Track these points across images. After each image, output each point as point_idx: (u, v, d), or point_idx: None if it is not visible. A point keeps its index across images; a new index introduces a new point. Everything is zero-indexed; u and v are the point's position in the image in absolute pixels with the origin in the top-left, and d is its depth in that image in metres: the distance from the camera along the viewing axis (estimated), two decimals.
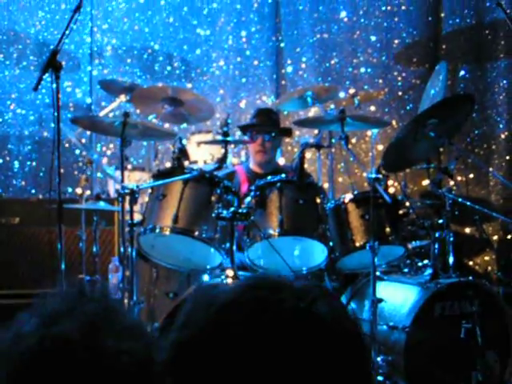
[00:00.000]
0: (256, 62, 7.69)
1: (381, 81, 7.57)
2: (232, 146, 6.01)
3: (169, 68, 7.57)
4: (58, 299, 1.24)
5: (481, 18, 7.40)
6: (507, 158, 7.19)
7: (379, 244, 4.40)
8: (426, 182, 6.58)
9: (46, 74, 4.05)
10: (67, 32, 4.08)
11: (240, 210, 4.33)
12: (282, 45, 7.75)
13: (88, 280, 5.35)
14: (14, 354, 1.16)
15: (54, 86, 4.05)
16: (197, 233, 4.37)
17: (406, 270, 5.00)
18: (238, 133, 5.82)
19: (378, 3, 7.62)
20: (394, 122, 7.35)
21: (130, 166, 6.09)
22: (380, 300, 4.40)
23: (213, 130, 6.31)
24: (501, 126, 7.27)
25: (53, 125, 4.13)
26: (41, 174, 7.11)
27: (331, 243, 4.55)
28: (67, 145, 6.72)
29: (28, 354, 1.15)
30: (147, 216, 4.49)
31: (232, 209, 4.33)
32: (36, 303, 1.24)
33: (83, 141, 6.69)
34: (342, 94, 6.50)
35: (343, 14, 7.65)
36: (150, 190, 4.61)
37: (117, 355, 1.16)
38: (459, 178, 7.08)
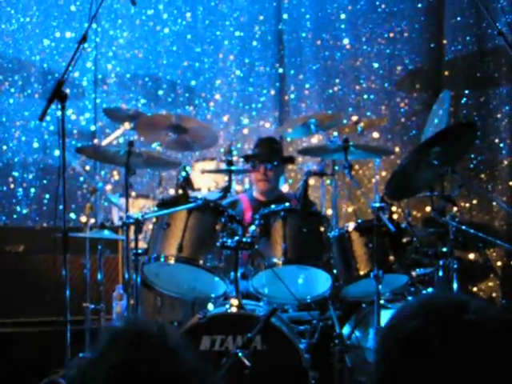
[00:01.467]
0: (259, 89, 7.73)
1: (384, 107, 7.61)
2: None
3: (172, 95, 7.61)
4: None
5: (482, 44, 7.46)
6: (510, 183, 7.21)
7: (383, 272, 4.39)
8: (429, 209, 6.58)
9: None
10: (73, 63, 4.11)
11: (244, 239, 4.34)
12: (285, 72, 7.79)
13: (92, 308, 5.34)
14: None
15: (59, 113, 4.07)
16: (201, 262, 4.38)
17: (410, 298, 4.98)
18: (241, 159, 5.84)
19: (381, 30, 7.68)
20: (397, 149, 7.39)
21: (133, 194, 6.11)
22: None
23: (217, 157, 6.32)
24: (503, 151, 7.30)
25: (57, 152, 4.16)
26: (45, 202, 7.13)
27: (335, 271, 4.56)
28: (71, 172, 6.74)
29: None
30: (151, 245, 4.50)
31: (236, 238, 4.34)
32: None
33: (87, 168, 6.72)
34: (344, 121, 6.53)
35: (346, 41, 7.71)
36: (154, 219, 4.62)
37: None
38: (462, 204, 7.10)
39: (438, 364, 1.34)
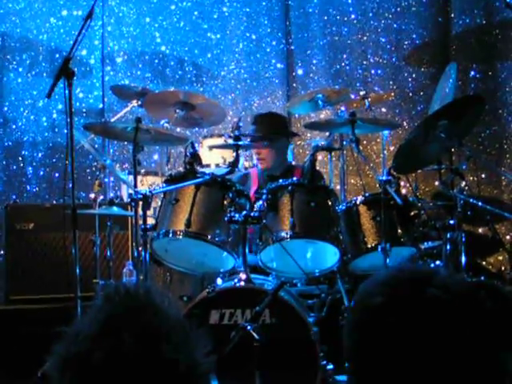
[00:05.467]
0: (267, 65, 7.72)
1: (391, 82, 7.58)
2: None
3: (180, 72, 7.60)
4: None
5: (490, 17, 7.41)
6: None
7: (391, 245, 4.41)
8: (437, 183, 6.58)
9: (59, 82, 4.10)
10: (79, 39, 4.12)
11: (252, 214, 4.35)
12: (293, 47, 7.77)
13: (102, 284, 5.39)
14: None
15: (67, 92, 4.10)
16: (209, 236, 4.40)
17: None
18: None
19: (388, 5, 7.63)
20: (404, 123, 7.38)
21: (142, 171, 6.13)
22: None
23: (224, 134, 6.32)
24: None
25: (66, 131, 4.18)
26: (54, 180, 7.16)
27: (343, 245, 4.57)
28: (80, 150, 6.75)
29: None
30: (160, 220, 4.52)
31: (244, 212, 4.35)
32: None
33: (96, 146, 6.73)
34: (352, 96, 6.51)
35: (353, 15, 7.67)
36: (162, 195, 4.64)
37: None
38: (471, 178, 7.08)
39: (398, 342, 1.36)
